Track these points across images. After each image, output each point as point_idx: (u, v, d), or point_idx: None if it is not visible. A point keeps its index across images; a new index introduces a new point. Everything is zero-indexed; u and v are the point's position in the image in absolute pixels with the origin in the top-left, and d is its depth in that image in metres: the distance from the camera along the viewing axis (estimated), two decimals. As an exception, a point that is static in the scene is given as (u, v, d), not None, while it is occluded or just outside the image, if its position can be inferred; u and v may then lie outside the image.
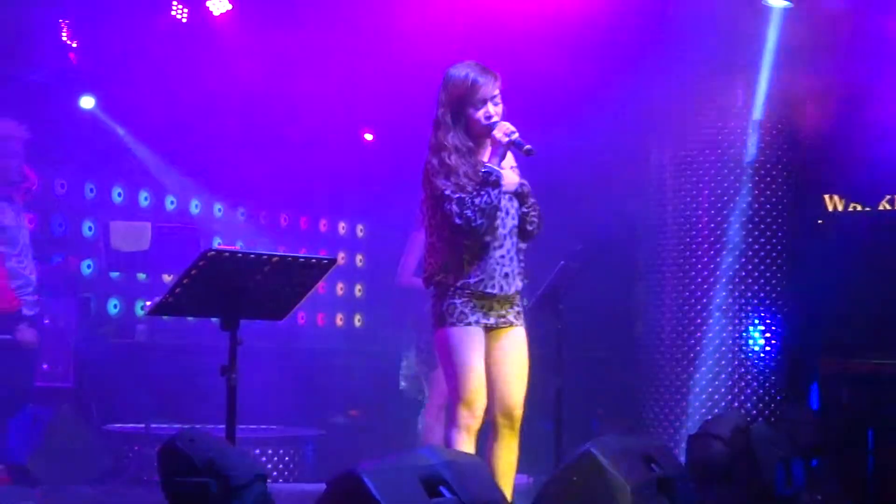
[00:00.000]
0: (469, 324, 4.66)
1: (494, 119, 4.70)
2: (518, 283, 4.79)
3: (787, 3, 7.33)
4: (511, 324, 4.78)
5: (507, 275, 4.73)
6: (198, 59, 8.50)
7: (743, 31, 7.49)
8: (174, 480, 3.90)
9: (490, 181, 4.62)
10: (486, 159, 4.70)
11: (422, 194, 4.77)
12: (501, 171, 4.66)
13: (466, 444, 4.62)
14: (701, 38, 7.56)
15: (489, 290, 4.69)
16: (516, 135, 4.66)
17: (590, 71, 7.82)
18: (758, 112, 7.56)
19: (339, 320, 10.70)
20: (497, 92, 4.73)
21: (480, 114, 4.69)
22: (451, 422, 4.70)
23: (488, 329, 4.72)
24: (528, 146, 4.64)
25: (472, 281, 4.67)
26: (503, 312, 4.75)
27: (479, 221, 4.60)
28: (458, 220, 4.60)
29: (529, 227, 4.82)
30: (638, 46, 7.68)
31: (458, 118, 4.70)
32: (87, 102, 8.54)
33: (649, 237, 7.84)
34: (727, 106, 7.59)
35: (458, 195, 4.60)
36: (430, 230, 4.77)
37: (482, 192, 4.60)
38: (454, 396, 4.69)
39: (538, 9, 7.78)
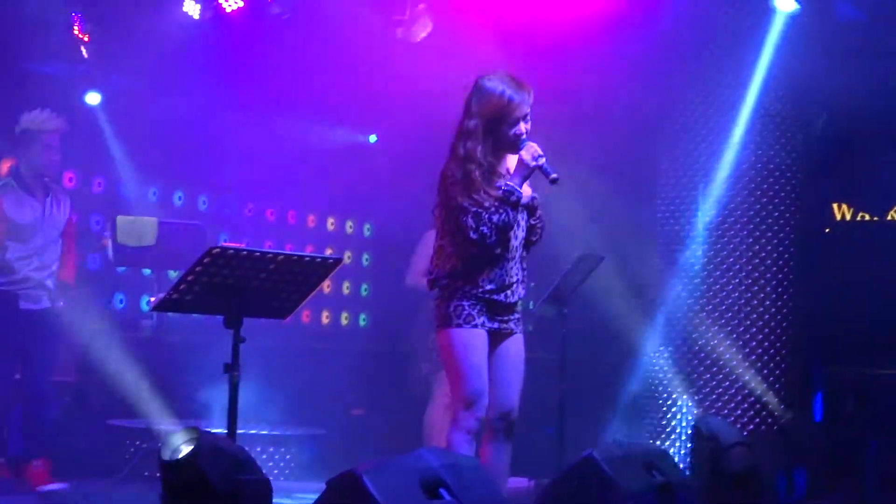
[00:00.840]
0: (475, 326, 4.66)
1: (524, 137, 4.67)
2: (521, 291, 4.79)
3: (795, 5, 7.30)
4: (511, 331, 4.78)
5: (513, 283, 4.73)
6: (209, 56, 8.50)
7: (751, 34, 7.46)
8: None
9: (510, 201, 4.60)
10: (504, 171, 4.67)
11: (435, 198, 4.72)
12: (522, 193, 4.63)
13: (467, 445, 4.62)
14: (708, 42, 7.55)
15: (496, 298, 4.68)
16: (543, 160, 4.61)
17: (590, 78, 7.83)
18: (762, 118, 7.52)
19: (345, 319, 10.70)
20: (529, 109, 4.68)
21: (512, 132, 4.65)
22: (452, 423, 4.69)
23: (491, 333, 4.71)
24: (554, 175, 4.58)
25: (479, 288, 4.66)
26: (506, 318, 4.74)
27: (492, 239, 4.59)
28: (472, 235, 4.57)
29: (533, 238, 4.83)
30: (645, 52, 7.68)
31: (488, 133, 4.65)
32: (92, 98, 8.55)
33: (653, 242, 7.83)
34: (732, 111, 7.55)
35: (475, 209, 4.57)
36: (441, 233, 4.74)
37: (500, 211, 4.58)
38: (456, 398, 4.68)
39: (543, 13, 7.78)
